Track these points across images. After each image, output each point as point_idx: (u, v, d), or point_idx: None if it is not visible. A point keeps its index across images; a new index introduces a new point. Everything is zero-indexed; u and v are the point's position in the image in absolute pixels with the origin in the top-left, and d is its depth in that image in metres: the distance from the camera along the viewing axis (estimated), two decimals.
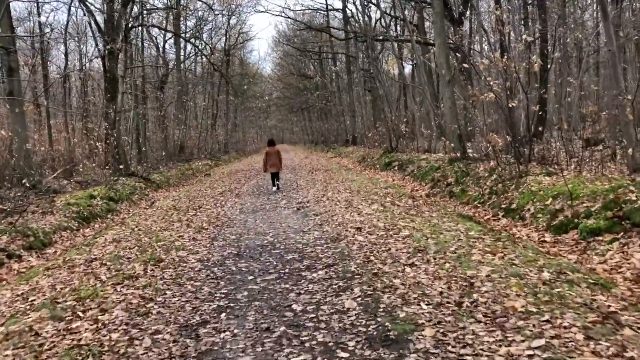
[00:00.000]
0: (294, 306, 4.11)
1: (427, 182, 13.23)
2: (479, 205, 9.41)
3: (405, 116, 23.34)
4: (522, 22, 20.43)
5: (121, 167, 17.66)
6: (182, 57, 35.80)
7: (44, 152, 23.73)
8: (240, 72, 46.68)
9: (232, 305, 4.28)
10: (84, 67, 24.46)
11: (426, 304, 3.87)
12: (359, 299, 4.14)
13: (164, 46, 35.42)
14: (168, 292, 4.75)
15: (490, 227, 7.08)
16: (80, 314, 4.23)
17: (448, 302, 3.88)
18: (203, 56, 36.49)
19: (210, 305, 4.30)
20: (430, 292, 4.15)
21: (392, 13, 30.90)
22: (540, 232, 7.01)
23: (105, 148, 17.56)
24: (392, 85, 37.34)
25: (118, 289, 4.88)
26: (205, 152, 35.91)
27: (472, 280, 4.36)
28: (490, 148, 11.06)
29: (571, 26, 17.67)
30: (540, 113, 13.63)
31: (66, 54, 29.12)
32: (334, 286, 4.58)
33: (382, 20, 32.74)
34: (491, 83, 8.85)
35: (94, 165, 15.59)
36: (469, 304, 3.81)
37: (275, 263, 5.62)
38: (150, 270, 5.55)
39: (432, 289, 4.24)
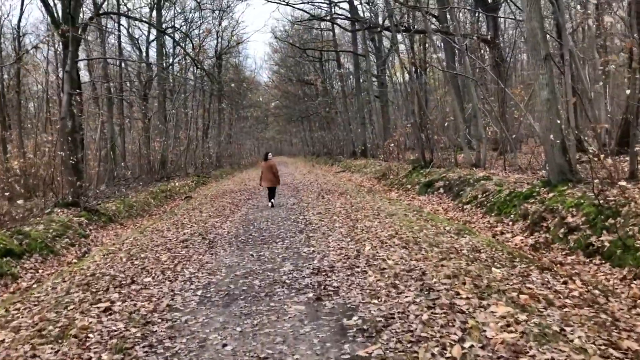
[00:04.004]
0: None
1: (514, 220, 8.26)
2: None
3: (438, 118, 18.37)
4: None
5: (65, 192, 12.78)
6: (168, 62, 31.07)
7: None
8: (234, 78, 41.78)
9: None
10: (22, 58, 19.72)
11: None
12: None
13: (147, 49, 30.74)
14: None
15: None
16: None
17: None
18: (192, 60, 31.57)
19: None
20: None
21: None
22: None
23: (36, 169, 12.64)
24: (396, 88, 32.66)
25: None
26: (194, 167, 31.03)
27: None
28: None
29: None
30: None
31: (18, 50, 24.30)
32: None
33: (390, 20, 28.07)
34: None
35: (7, 193, 10.62)
36: None
37: None
38: None
39: None
